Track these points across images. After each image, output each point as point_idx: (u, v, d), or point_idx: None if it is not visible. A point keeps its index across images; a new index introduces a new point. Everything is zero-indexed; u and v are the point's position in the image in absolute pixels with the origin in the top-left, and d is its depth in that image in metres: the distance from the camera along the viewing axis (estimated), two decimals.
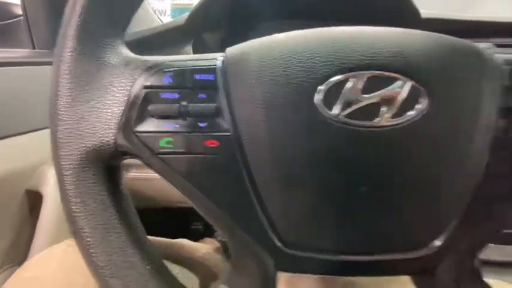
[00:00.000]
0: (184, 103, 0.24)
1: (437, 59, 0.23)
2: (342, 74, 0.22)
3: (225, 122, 0.24)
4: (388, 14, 0.55)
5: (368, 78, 0.22)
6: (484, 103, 0.23)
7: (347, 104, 0.22)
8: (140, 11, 0.92)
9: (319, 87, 0.22)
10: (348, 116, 0.22)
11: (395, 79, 0.22)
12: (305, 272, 0.26)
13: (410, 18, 0.57)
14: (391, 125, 0.22)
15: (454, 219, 0.24)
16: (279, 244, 0.24)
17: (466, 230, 0.24)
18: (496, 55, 0.24)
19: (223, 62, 0.24)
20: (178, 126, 0.24)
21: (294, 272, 0.25)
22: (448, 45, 0.24)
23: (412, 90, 0.22)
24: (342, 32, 0.24)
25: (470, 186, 0.24)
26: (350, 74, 0.22)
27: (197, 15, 0.60)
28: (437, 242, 0.24)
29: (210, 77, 0.24)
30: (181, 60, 0.25)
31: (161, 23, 0.83)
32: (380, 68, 0.22)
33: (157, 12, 0.94)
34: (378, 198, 0.24)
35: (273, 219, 0.24)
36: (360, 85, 0.22)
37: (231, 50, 0.25)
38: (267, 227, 0.24)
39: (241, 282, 0.26)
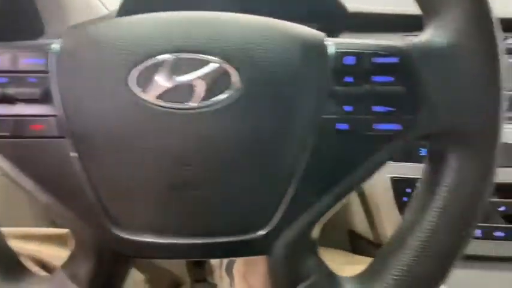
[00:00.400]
0: (11, 87, 0.23)
1: (253, 43, 0.23)
2: (154, 56, 0.22)
3: (53, 105, 0.23)
4: (315, 11, 0.56)
5: (181, 61, 0.22)
6: (308, 86, 0.23)
7: (160, 87, 0.22)
8: (82, 2, 0.89)
9: (133, 70, 0.23)
10: (161, 98, 0.22)
11: (209, 62, 0.22)
12: (145, 257, 0.26)
13: (337, 13, 0.58)
14: (203, 108, 0.22)
15: (281, 204, 0.24)
16: (113, 229, 0.24)
17: (292, 217, 0.24)
18: (327, 39, 0.24)
19: (60, 46, 0.24)
20: (3, 110, 0.24)
21: (133, 256, 0.25)
22: (268, 29, 0.24)
23: (225, 73, 0.22)
24: (158, 17, 0.24)
25: (293, 176, 0.24)
26: (162, 56, 0.22)
27: (126, 8, 0.60)
28: (263, 231, 0.24)
29: (41, 61, 0.24)
30: (13, 46, 0.24)
31: None
32: (193, 51, 0.22)
33: (106, 4, 0.92)
34: (198, 182, 0.24)
35: (105, 202, 0.24)
36: (173, 68, 0.22)
37: (68, 33, 0.25)
38: (99, 210, 0.24)
39: (78, 268, 0.25)
